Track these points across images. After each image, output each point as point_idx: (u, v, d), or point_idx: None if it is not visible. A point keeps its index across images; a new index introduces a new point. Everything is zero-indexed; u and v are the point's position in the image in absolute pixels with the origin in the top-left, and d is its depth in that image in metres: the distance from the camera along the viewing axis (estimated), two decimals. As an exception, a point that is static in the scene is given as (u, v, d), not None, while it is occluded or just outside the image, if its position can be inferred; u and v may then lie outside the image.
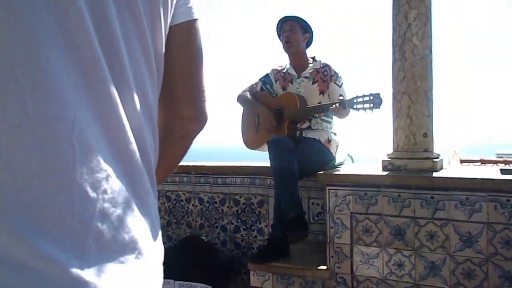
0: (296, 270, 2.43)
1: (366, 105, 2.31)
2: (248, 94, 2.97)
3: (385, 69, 2.61)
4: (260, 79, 3.01)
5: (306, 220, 2.42)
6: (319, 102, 2.69)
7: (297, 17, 2.83)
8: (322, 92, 2.75)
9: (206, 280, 2.82)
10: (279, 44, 2.90)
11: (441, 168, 2.34)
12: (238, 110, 3.10)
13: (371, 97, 2.29)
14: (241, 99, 3.00)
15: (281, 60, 3.09)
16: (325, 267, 2.36)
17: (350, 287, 2.30)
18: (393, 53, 2.37)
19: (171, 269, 3.06)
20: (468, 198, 2.02)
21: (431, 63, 2.33)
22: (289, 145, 2.47)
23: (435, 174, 2.16)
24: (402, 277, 2.17)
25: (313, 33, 2.87)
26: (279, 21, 2.87)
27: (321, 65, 2.81)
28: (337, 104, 2.43)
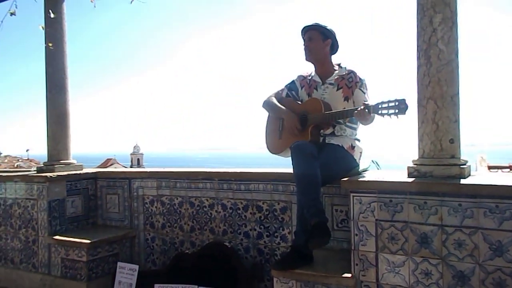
0: (320, 278, 2.40)
1: (391, 111, 2.28)
2: (274, 100, 2.98)
3: (409, 75, 2.58)
4: (286, 86, 3.03)
5: (328, 227, 2.40)
6: (344, 108, 2.68)
7: (316, 25, 2.82)
8: (346, 99, 2.73)
9: (229, 286, 2.83)
10: (284, 46, 2.92)
11: (469, 175, 2.29)
12: (261, 117, 3.12)
13: (397, 103, 2.26)
14: (266, 104, 3.02)
15: (279, 61, 3.11)
16: (349, 275, 2.33)
17: (375, 296, 2.26)
18: (418, 58, 2.34)
19: (195, 275, 3.09)
20: (498, 206, 1.97)
21: (457, 68, 2.29)
22: (312, 151, 2.46)
23: (462, 181, 2.11)
24: (429, 286, 2.12)
25: (336, 38, 2.85)
26: (302, 30, 2.88)
27: (346, 72, 2.80)
28: (361, 108, 2.41)
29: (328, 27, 2.81)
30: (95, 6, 4.00)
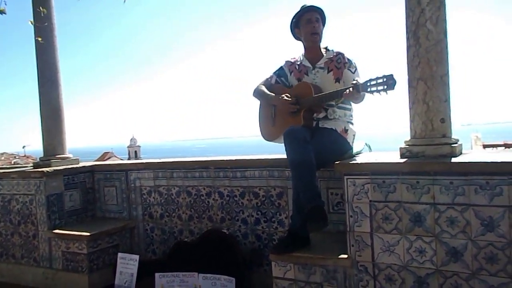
0: (317, 260, 2.45)
1: (380, 87, 2.29)
2: (263, 88, 2.99)
3: (399, 56, 2.58)
4: (274, 72, 3.03)
5: (325, 210, 2.44)
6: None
7: (321, 8, 2.82)
8: (337, 80, 2.75)
9: (228, 272, 2.87)
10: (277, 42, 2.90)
11: (460, 153, 2.32)
12: (254, 105, 3.13)
13: (385, 79, 2.26)
14: (256, 93, 3.03)
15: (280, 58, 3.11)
16: (346, 256, 2.38)
17: (371, 275, 2.31)
18: (407, 39, 2.35)
19: (194, 263, 3.13)
20: (488, 182, 2.00)
21: (447, 48, 2.30)
22: (305, 135, 2.48)
23: (453, 160, 2.14)
24: (423, 263, 2.17)
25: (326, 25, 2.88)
26: (302, 10, 2.83)
27: (334, 54, 2.81)
28: (351, 89, 2.42)
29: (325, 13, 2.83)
30: (124, 1, 3.96)
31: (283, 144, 2.61)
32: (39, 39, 3.83)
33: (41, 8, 3.78)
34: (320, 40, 2.84)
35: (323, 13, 2.83)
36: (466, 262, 2.07)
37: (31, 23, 3.92)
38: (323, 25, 2.85)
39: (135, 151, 69.79)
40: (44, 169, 3.75)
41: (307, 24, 2.80)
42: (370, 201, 2.29)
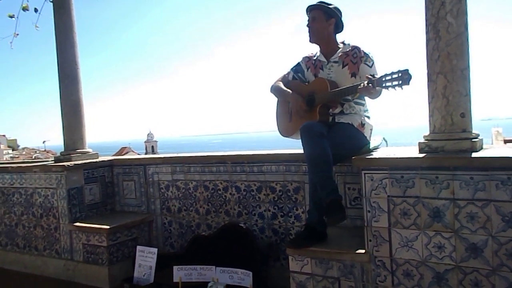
0: (335, 254, 2.45)
1: (395, 82, 2.26)
2: (280, 84, 3.00)
3: (418, 50, 2.55)
4: (291, 69, 3.03)
5: (343, 204, 2.44)
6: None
7: (320, 4, 2.80)
8: (353, 75, 2.73)
9: (245, 266, 2.89)
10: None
11: (481, 148, 2.28)
12: (271, 101, 3.14)
13: (400, 74, 2.24)
14: (273, 89, 3.04)
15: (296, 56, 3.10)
16: (363, 251, 2.37)
17: (389, 270, 2.30)
18: (427, 32, 2.32)
19: (212, 256, 3.17)
20: (510, 178, 1.97)
21: (467, 41, 2.26)
22: (321, 130, 2.48)
23: (474, 155, 2.11)
24: (442, 259, 2.15)
25: (341, 17, 2.83)
26: (306, 10, 2.86)
27: (350, 48, 2.79)
28: (365, 83, 2.40)
29: (331, 6, 2.79)
30: None
31: (299, 140, 2.61)
32: (36, 26, 3.90)
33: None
34: (314, 37, 2.82)
35: (325, 7, 2.78)
36: (486, 258, 2.05)
37: (36, 28, 3.99)
38: (332, 18, 2.79)
39: (152, 146, 70.51)
40: (65, 163, 3.83)
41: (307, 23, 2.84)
42: (388, 196, 2.28)
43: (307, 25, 2.83)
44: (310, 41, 2.86)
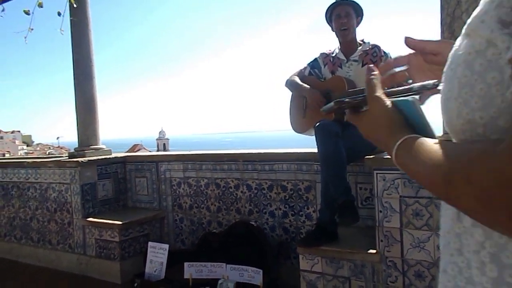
0: (345, 254, 2.45)
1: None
2: (296, 78, 2.98)
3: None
4: (308, 64, 3.01)
5: (355, 205, 2.43)
6: None
7: (352, 1, 2.77)
8: None
9: (256, 264, 2.90)
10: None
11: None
12: (283, 99, 3.13)
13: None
14: (288, 83, 3.02)
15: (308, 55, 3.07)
16: (374, 251, 2.37)
17: (400, 271, 2.29)
18: (442, 32, 2.30)
19: (222, 253, 3.18)
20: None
21: (483, 41, 2.23)
22: (336, 130, 2.47)
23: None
24: (454, 261, 2.13)
25: (363, 15, 2.82)
26: (332, 5, 2.80)
27: (370, 47, 2.77)
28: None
29: (359, 4, 2.77)
30: None
31: (312, 137, 2.60)
32: (62, 30, 3.94)
33: (73, 0, 3.89)
34: (351, 35, 2.79)
35: (355, 4, 2.77)
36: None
37: (61, 32, 4.04)
38: (359, 17, 2.80)
39: (164, 144, 70.99)
40: (79, 159, 3.88)
41: (336, 19, 2.77)
42: (400, 196, 2.27)
43: (342, 21, 2.74)
44: (345, 39, 2.79)
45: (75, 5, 3.89)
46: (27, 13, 4.04)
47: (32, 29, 4.07)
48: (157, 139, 72.94)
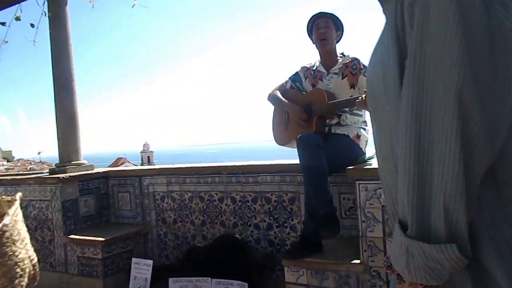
0: (330, 265, 2.45)
1: None
2: (277, 93, 3.01)
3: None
4: (289, 78, 3.05)
5: (338, 216, 2.44)
6: (351, 96, 2.68)
7: (332, 14, 2.81)
8: (352, 86, 2.75)
9: (241, 277, 2.88)
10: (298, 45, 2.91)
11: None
12: (266, 111, 3.15)
13: None
14: (271, 97, 3.06)
15: (298, 61, 3.10)
16: (358, 261, 2.38)
17: (384, 280, 2.30)
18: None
19: (207, 267, 3.15)
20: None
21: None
22: (318, 141, 2.49)
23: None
24: (437, 269, 2.15)
25: (344, 31, 2.87)
26: (313, 17, 2.83)
27: (350, 59, 2.81)
28: (364, 97, 2.42)
29: (339, 19, 2.82)
30: (93, 7, 4.08)
31: (295, 149, 2.62)
32: (35, 42, 3.92)
33: (45, 11, 3.86)
34: (329, 45, 2.83)
35: (336, 18, 2.82)
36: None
37: (34, 42, 4.00)
38: (339, 31, 2.85)
39: (148, 156, 70.34)
40: (60, 175, 3.82)
41: (316, 30, 2.82)
42: (383, 206, 2.29)
43: (321, 32, 2.78)
44: (323, 48, 2.83)
45: (47, 16, 3.86)
46: (2, 24, 3.99)
47: (6, 42, 4.03)
48: (141, 152, 72.29)
